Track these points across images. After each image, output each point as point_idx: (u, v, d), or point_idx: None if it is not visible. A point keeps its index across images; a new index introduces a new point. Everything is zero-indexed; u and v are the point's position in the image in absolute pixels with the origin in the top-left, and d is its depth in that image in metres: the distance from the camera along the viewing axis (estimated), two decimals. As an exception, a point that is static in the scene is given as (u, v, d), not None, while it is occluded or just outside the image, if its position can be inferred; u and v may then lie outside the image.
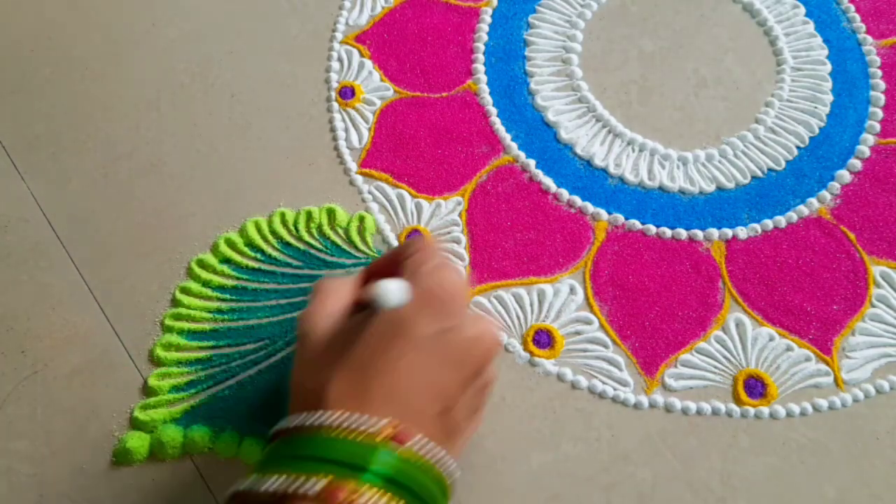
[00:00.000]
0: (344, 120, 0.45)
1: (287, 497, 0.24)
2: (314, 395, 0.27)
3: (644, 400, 0.36)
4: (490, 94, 0.45)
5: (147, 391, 0.37)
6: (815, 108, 0.44)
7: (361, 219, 0.41)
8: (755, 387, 0.37)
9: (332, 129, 0.44)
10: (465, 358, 0.28)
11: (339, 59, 0.47)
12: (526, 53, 0.47)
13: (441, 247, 0.32)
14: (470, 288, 0.30)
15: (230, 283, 0.39)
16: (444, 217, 0.41)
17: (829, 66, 0.46)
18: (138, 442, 0.35)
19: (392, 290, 0.27)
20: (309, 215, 0.41)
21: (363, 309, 0.29)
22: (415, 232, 0.41)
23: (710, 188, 0.42)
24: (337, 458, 0.25)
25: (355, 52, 0.47)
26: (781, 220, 0.41)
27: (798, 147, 0.43)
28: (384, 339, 0.27)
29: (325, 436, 0.25)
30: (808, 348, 0.37)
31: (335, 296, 0.30)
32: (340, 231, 0.41)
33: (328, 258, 0.40)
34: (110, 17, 0.49)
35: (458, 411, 0.28)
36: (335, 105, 0.45)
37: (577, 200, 0.42)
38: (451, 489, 0.28)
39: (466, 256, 0.40)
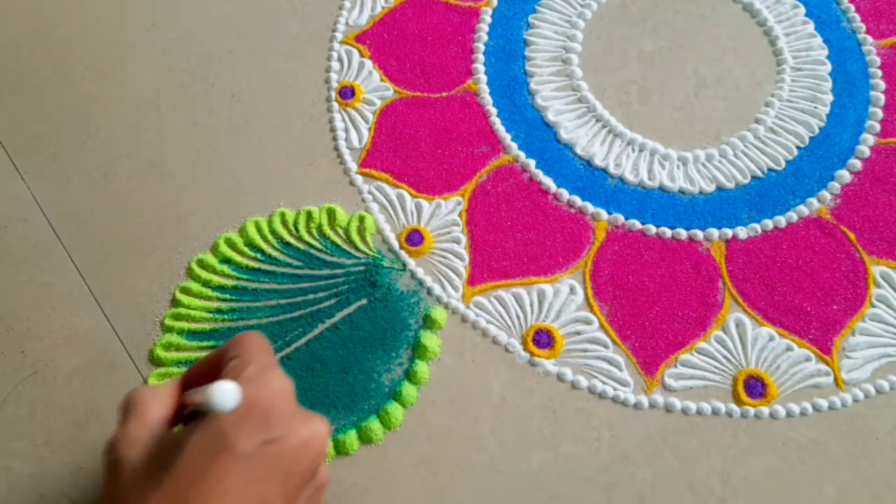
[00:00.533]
0: (344, 120, 0.45)
1: None
2: None
3: (644, 400, 0.36)
4: (490, 94, 0.45)
5: (147, 391, 0.37)
6: (815, 108, 0.44)
7: (361, 219, 0.41)
8: (755, 387, 0.37)
9: (332, 129, 0.44)
10: (293, 468, 0.26)
11: (339, 59, 0.47)
12: (526, 53, 0.47)
13: (264, 346, 0.29)
14: (292, 392, 0.28)
15: (230, 283, 0.39)
16: (444, 217, 0.41)
17: (829, 66, 0.46)
18: None
19: (226, 392, 0.24)
20: (309, 215, 0.41)
21: (185, 418, 0.27)
22: (415, 232, 0.41)
23: (710, 188, 0.42)
24: None
25: (355, 52, 0.47)
26: (781, 220, 0.41)
27: (798, 147, 0.43)
28: (204, 458, 0.25)
29: None
30: (808, 348, 0.37)
31: (151, 409, 0.27)
32: (340, 231, 0.41)
33: (328, 258, 0.40)
34: (110, 18, 0.49)
35: None
36: (335, 105, 0.45)
37: (577, 200, 0.42)
38: None
39: (466, 256, 0.40)
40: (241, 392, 0.24)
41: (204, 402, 0.24)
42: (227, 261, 0.40)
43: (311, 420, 0.27)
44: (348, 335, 0.38)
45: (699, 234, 0.41)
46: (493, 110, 0.45)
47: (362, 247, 0.40)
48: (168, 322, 0.38)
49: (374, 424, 0.36)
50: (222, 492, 0.25)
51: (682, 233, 0.41)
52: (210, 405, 0.23)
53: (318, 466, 0.27)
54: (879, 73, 0.45)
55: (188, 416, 0.28)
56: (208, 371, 0.29)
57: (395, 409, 0.36)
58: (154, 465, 0.25)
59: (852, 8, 0.48)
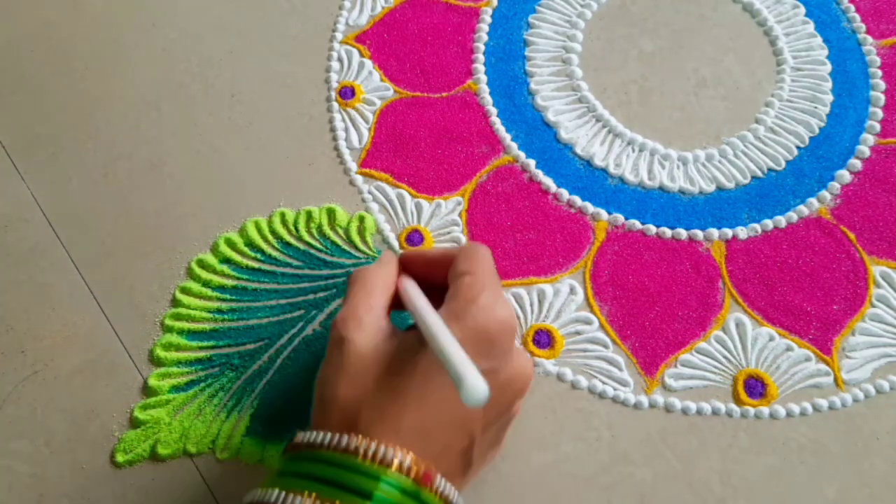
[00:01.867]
0: (344, 120, 0.45)
1: None
2: (345, 413, 0.27)
3: (644, 400, 0.36)
4: (490, 94, 0.45)
5: (147, 391, 0.37)
6: (815, 108, 0.44)
7: (361, 219, 0.41)
8: (755, 387, 0.37)
9: (332, 129, 0.44)
10: (499, 397, 0.27)
11: (339, 59, 0.47)
12: (526, 53, 0.47)
13: (493, 266, 0.30)
14: (515, 324, 0.29)
15: (230, 283, 0.39)
16: (444, 217, 0.41)
17: (829, 66, 0.46)
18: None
19: (479, 391, 0.24)
20: (309, 215, 0.41)
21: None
22: (415, 232, 0.41)
23: (710, 188, 0.42)
24: (353, 485, 0.24)
25: (355, 52, 0.47)
26: (781, 220, 0.41)
27: (798, 147, 0.43)
28: (427, 372, 0.26)
29: (348, 462, 0.25)
30: (808, 348, 0.37)
31: (375, 292, 0.29)
32: (340, 231, 0.41)
33: (328, 258, 0.40)
34: (110, 17, 0.49)
35: (480, 445, 0.28)
36: (335, 105, 0.45)
37: (577, 200, 0.42)
38: None
39: (466, 256, 0.40)
40: (487, 385, 0.25)
41: (448, 372, 0.24)
42: (227, 261, 0.40)
43: (523, 357, 0.29)
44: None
45: (699, 234, 0.41)
46: (493, 110, 0.45)
47: (362, 247, 0.40)
48: (168, 322, 0.38)
49: (374, 424, 0.36)
50: (435, 403, 0.26)
51: (682, 233, 0.41)
52: (463, 398, 0.24)
53: (521, 395, 0.29)
54: (879, 73, 0.45)
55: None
56: (432, 265, 0.30)
57: (395, 409, 0.36)
58: (383, 363, 0.27)
59: (852, 8, 0.48)
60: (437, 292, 0.30)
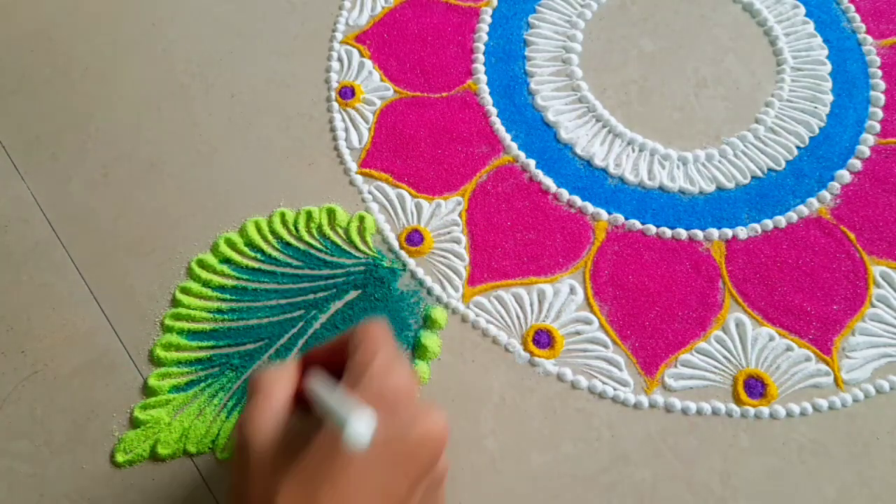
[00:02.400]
0: (344, 120, 0.45)
1: None
2: None
3: (644, 400, 0.36)
4: (490, 94, 0.45)
5: (147, 391, 0.37)
6: (815, 108, 0.44)
7: (361, 219, 0.41)
8: (755, 387, 0.37)
9: (332, 129, 0.44)
10: (415, 458, 0.27)
11: (339, 59, 0.47)
12: (526, 53, 0.47)
13: (388, 336, 0.30)
14: (417, 381, 0.28)
15: (230, 283, 0.39)
16: (444, 217, 0.41)
17: (829, 66, 0.46)
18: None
19: (363, 429, 0.24)
20: (309, 215, 0.41)
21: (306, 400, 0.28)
22: (415, 232, 0.41)
23: (710, 188, 0.42)
24: None
25: (355, 52, 0.47)
26: (781, 220, 0.41)
27: (798, 147, 0.43)
28: (330, 450, 0.26)
29: None
30: (808, 348, 0.37)
31: (275, 392, 0.28)
32: (340, 231, 0.41)
33: (328, 258, 0.40)
34: (110, 18, 0.49)
35: None
36: (335, 105, 0.45)
37: (577, 200, 0.42)
38: None
39: (466, 256, 0.40)
40: (373, 420, 0.24)
41: (343, 438, 0.24)
42: (227, 261, 0.40)
43: (432, 412, 0.28)
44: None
45: (699, 234, 0.41)
46: (493, 110, 0.45)
47: (362, 247, 0.40)
48: (168, 322, 0.38)
49: (374, 424, 0.36)
50: (347, 482, 0.26)
51: (682, 233, 0.41)
52: (346, 439, 0.23)
53: (438, 457, 0.28)
54: (879, 73, 0.45)
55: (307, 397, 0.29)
56: (331, 355, 0.30)
57: (395, 409, 0.36)
58: (283, 453, 0.26)
59: (852, 8, 0.48)
60: None
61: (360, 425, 0.24)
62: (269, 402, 0.28)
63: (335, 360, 0.30)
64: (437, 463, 0.28)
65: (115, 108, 0.45)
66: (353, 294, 0.39)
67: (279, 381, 0.29)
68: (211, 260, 0.40)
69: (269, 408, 0.28)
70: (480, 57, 0.47)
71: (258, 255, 0.40)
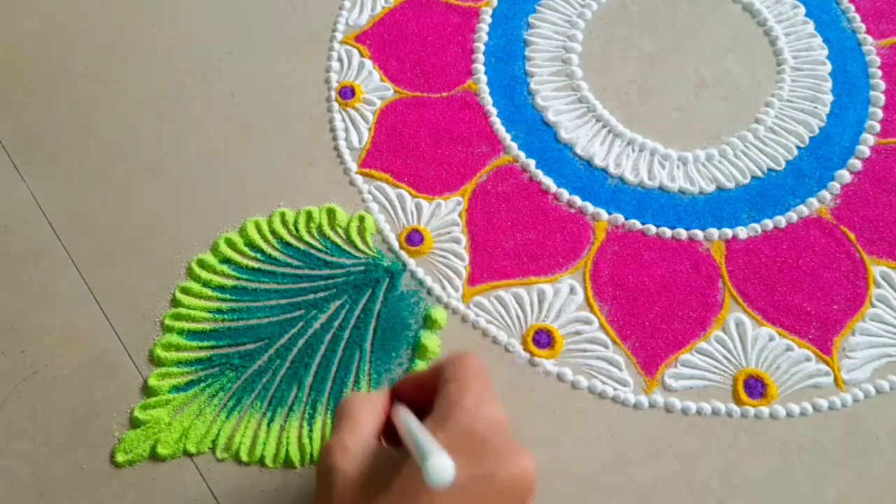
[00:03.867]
0: (344, 120, 0.45)
1: None
2: None
3: (644, 400, 0.36)
4: (490, 94, 0.45)
5: (147, 391, 0.37)
6: (815, 108, 0.44)
7: (361, 219, 0.41)
8: (755, 387, 0.37)
9: (332, 129, 0.44)
10: (502, 499, 0.26)
11: (339, 59, 0.47)
12: (526, 53, 0.47)
13: (482, 370, 0.29)
14: (508, 424, 0.27)
15: (230, 283, 0.39)
16: (444, 217, 0.41)
17: (829, 66, 0.46)
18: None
19: (444, 470, 0.23)
20: (309, 215, 0.41)
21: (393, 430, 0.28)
22: (415, 232, 0.41)
23: (710, 188, 0.42)
24: None
25: (355, 52, 0.47)
26: (781, 220, 0.41)
27: (798, 147, 0.43)
28: (416, 484, 0.25)
29: None
30: (808, 348, 0.37)
31: (363, 419, 0.28)
32: (340, 231, 0.41)
33: (328, 258, 0.40)
34: (110, 18, 0.49)
35: None
36: (335, 105, 0.45)
37: (577, 200, 0.42)
38: None
39: (466, 256, 0.40)
40: (455, 470, 0.24)
41: (417, 460, 0.24)
42: (227, 261, 0.40)
43: (522, 456, 0.26)
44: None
45: (699, 234, 0.41)
46: (493, 110, 0.45)
47: (362, 247, 0.40)
48: (168, 322, 0.38)
49: (374, 424, 0.36)
50: None
51: (682, 233, 0.41)
52: (427, 479, 0.23)
53: (525, 501, 0.27)
54: (879, 73, 0.45)
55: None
56: (422, 386, 0.29)
57: (395, 409, 0.36)
58: (368, 483, 0.26)
59: (852, 8, 0.48)
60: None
61: (444, 460, 0.23)
62: (358, 429, 0.28)
63: (427, 393, 0.29)
64: None
65: (115, 108, 0.45)
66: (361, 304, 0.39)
67: (368, 410, 0.28)
68: (211, 260, 0.40)
69: (359, 435, 0.27)
70: (480, 57, 0.47)
71: (258, 255, 0.40)
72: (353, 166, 0.43)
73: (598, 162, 0.43)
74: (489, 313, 0.39)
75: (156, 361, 0.38)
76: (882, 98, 0.44)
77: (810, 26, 0.47)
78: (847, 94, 0.45)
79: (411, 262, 0.40)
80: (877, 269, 0.39)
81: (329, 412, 0.36)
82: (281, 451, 0.35)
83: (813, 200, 0.42)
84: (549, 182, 0.42)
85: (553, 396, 0.37)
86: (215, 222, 0.41)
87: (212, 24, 0.48)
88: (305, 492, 0.35)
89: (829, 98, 0.45)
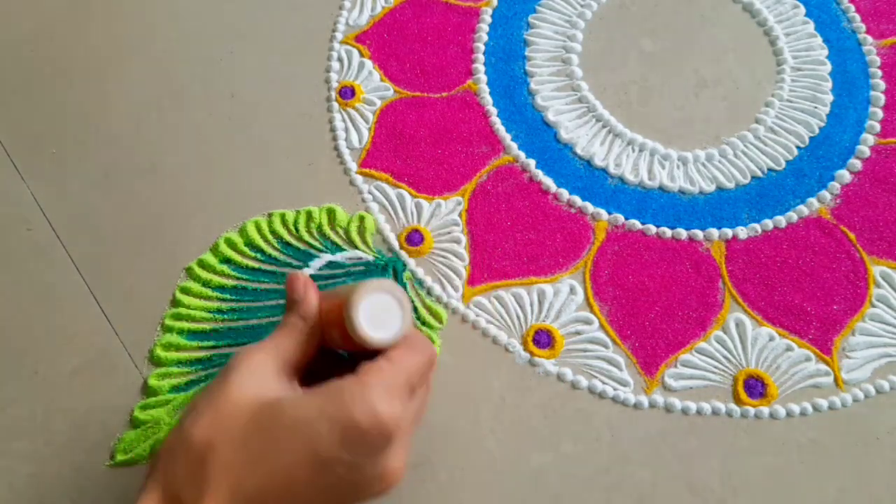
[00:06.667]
0: (344, 120, 0.45)
1: None
2: (195, 457, 0.25)
3: (644, 400, 0.36)
4: (490, 94, 0.45)
5: (147, 391, 0.37)
6: (815, 108, 0.44)
7: (361, 219, 0.41)
8: (755, 387, 0.37)
9: (332, 129, 0.44)
10: (351, 495, 0.25)
11: (339, 59, 0.47)
12: (526, 53, 0.47)
13: (421, 366, 0.27)
14: (406, 428, 0.26)
15: (230, 283, 0.39)
16: (444, 217, 0.41)
17: (829, 66, 0.46)
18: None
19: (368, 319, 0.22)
20: (309, 215, 0.41)
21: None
22: (415, 232, 0.41)
23: (710, 188, 0.42)
24: None
25: (355, 52, 0.47)
26: (781, 220, 0.41)
27: (798, 147, 0.43)
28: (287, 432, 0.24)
29: None
30: (808, 348, 0.37)
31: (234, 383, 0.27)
32: (340, 231, 0.41)
33: (328, 258, 0.40)
34: (110, 18, 0.49)
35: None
36: (335, 105, 0.45)
37: (577, 200, 0.42)
38: None
39: (466, 256, 0.40)
40: (403, 317, 0.22)
41: (352, 328, 0.22)
42: (227, 261, 0.40)
43: (395, 460, 0.26)
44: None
45: (699, 234, 0.41)
46: (493, 110, 0.45)
47: (362, 247, 0.40)
48: (168, 322, 0.38)
49: (374, 424, 0.36)
50: (276, 469, 0.24)
51: (682, 233, 0.41)
52: (356, 331, 0.22)
53: (375, 495, 0.26)
54: (879, 73, 0.45)
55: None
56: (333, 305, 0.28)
57: (395, 409, 0.36)
58: (253, 418, 0.25)
59: (852, 8, 0.48)
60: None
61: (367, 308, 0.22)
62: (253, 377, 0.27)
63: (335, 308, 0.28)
64: (370, 487, 0.26)
65: (115, 108, 0.45)
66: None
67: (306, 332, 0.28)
68: (211, 260, 0.40)
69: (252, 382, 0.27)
70: (480, 57, 0.47)
71: (258, 255, 0.40)
72: (353, 166, 0.43)
73: (598, 162, 0.43)
74: (489, 313, 0.39)
75: (156, 361, 0.38)
76: (882, 98, 0.44)
77: (810, 26, 0.47)
78: (847, 94, 0.45)
79: (411, 262, 0.40)
80: (877, 269, 0.39)
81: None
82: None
83: (813, 200, 0.42)
84: (549, 182, 0.42)
85: (553, 396, 0.37)
86: (215, 222, 0.41)
87: (212, 24, 0.48)
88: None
89: (829, 98, 0.45)
